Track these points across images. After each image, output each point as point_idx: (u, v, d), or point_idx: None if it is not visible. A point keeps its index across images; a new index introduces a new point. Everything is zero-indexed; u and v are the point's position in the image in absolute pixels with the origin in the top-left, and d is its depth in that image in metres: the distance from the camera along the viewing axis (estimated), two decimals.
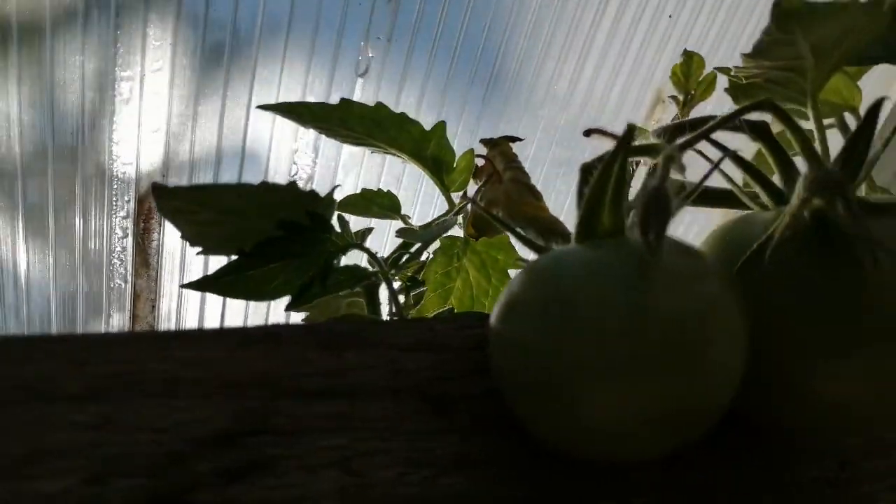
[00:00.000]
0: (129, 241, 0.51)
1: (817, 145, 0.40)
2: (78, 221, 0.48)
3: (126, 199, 0.48)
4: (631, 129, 0.21)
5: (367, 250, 0.34)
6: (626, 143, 0.21)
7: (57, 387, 0.22)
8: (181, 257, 0.53)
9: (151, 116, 0.50)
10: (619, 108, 0.62)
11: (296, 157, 0.51)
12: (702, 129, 0.25)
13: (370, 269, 0.34)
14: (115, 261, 0.51)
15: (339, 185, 0.33)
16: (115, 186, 0.47)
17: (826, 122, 0.45)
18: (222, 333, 0.25)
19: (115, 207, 0.48)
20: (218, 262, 0.33)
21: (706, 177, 0.24)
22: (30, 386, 0.21)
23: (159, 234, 0.52)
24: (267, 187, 0.29)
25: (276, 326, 0.25)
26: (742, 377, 0.22)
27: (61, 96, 0.48)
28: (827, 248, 0.23)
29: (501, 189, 0.35)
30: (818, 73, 0.32)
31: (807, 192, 0.23)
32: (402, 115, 0.34)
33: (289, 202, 0.31)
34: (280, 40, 0.51)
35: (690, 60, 0.39)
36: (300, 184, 0.33)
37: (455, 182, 0.37)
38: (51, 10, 0.46)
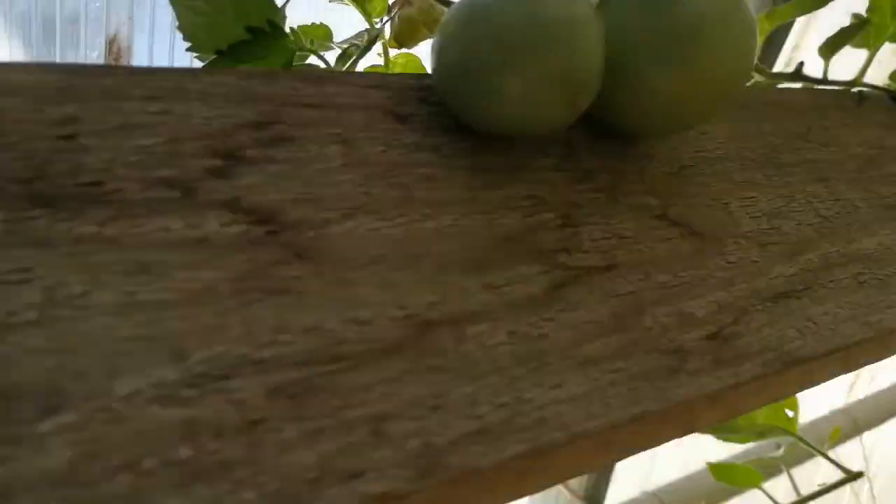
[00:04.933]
0: None
1: None
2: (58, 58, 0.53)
3: (97, 40, 0.54)
4: None
5: (316, 53, 0.43)
6: None
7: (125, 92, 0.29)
8: None
9: None
10: None
11: None
12: None
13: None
14: None
15: (288, 0, 0.41)
16: (89, 29, 0.53)
17: None
18: (232, 70, 0.33)
19: (88, 48, 0.54)
20: None
21: None
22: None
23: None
24: None
25: (272, 69, 0.33)
26: (601, 77, 0.33)
27: None
28: None
29: (415, 6, 0.45)
30: None
31: None
32: None
33: (254, 7, 0.39)
34: None
35: None
36: None
37: (375, 9, 0.46)
38: None
